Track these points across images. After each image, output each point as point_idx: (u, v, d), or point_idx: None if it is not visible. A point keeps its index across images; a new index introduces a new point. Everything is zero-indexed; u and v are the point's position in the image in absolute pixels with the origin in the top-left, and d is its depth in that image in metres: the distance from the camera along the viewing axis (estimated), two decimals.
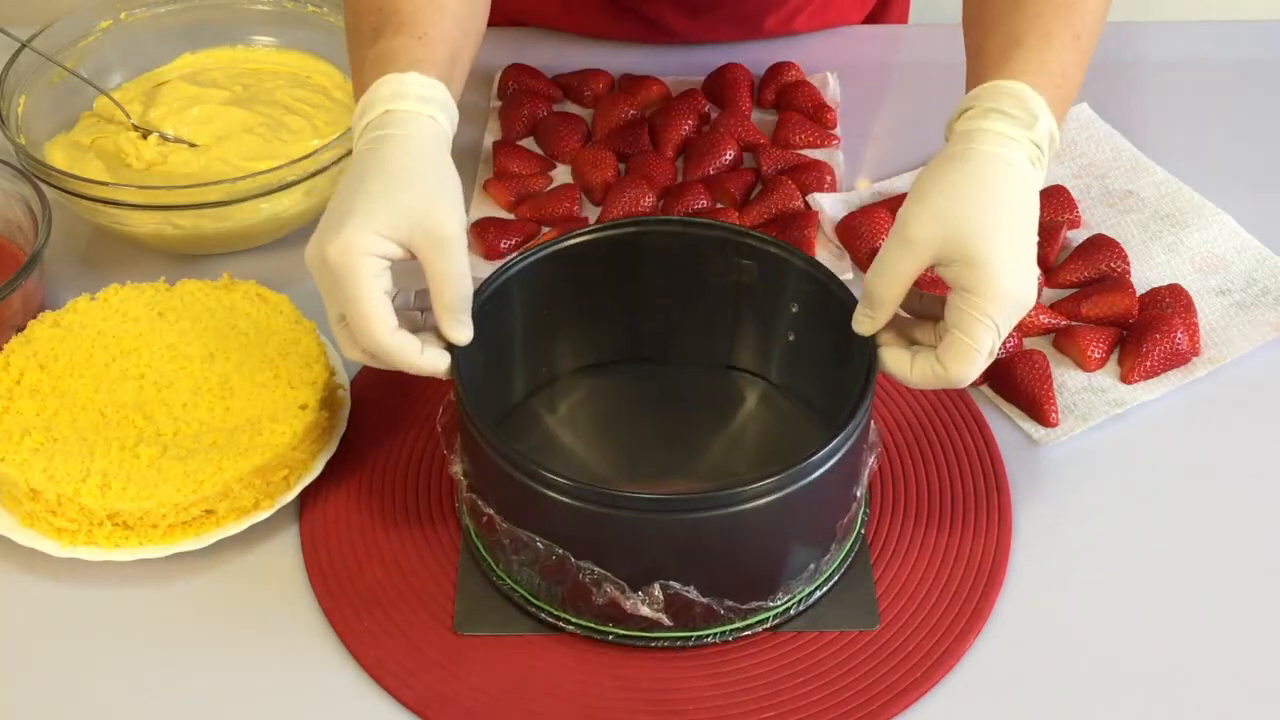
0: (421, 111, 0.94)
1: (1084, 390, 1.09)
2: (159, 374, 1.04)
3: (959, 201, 0.91)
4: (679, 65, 1.37)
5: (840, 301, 0.98)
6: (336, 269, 0.89)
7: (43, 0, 1.46)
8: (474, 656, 0.94)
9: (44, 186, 1.14)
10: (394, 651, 0.94)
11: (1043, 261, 1.16)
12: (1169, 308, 1.13)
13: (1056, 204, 1.21)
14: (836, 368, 0.98)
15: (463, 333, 0.93)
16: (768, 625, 0.95)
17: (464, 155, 1.29)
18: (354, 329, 0.91)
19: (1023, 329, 1.12)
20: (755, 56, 1.35)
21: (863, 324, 0.94)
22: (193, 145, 1.23)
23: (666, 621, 0.92)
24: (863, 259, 1.18)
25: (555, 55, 1.38)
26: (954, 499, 1.02)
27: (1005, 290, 0.90)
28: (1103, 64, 1.37)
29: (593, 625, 0.94)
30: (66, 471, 0.98)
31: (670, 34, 1.38)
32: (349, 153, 1.16)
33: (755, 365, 1.08)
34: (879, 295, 0.93)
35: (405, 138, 0.93)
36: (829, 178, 1.24)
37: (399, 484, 1.04)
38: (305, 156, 1.14)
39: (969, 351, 0.90)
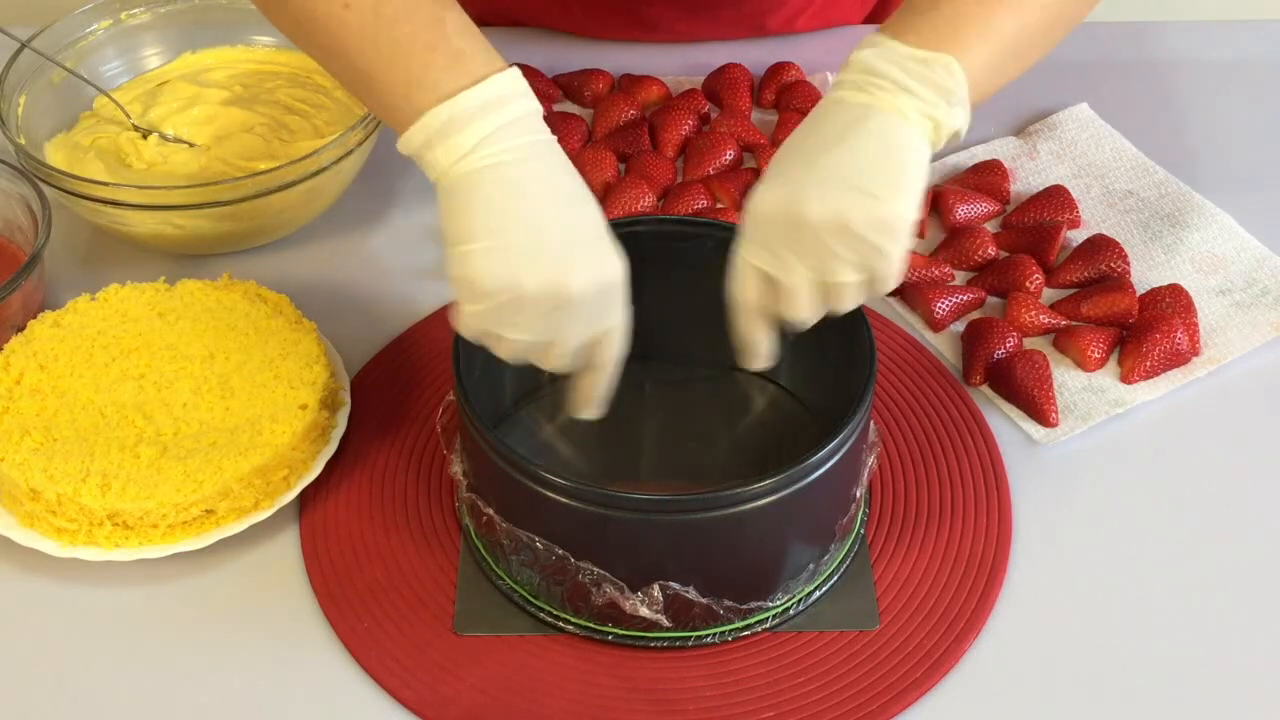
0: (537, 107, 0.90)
1: (1084, 390, 1.09)
2: (159, 374, 1.04)
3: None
4: (679, 65, 1.37)
5: None
6: (597, 297, 0.87)
7: (43, 0, 1.46)
8: (474, 656, 0.94)
9: (44, 186, 1.14)
10: (394, 651, 0.94)
11: (1043, 261, 1.17)
12: (1169, 308, 1.13)
13: (1056, 204, 1.21)
14: (836, 368, 0.98)
15: None
16: (767, 625, 0.95)
17: None
18: (604, 348, 0.90)
19: (1023, 329, 1.12)
20: (755, 56, 1.35)
21: None
22: (193, 145, 1.23)
23: (665, 622, 0.92)
24: None
25: (555, 55, 1.38)
26: (954, 499, 1.02)
27: (753, 200, 0.89)
28: (1103, 64, 1.38)
29: (592, 625, 0.94)
30: (66, 471, 0.98)
31: (670, 34, 1.38)
32: (349, 153, 1.17)
33: None
34: None
35: (554, 143, 0.90)
36: None
37: (399, 484, 1.04)
38: (305, 156, 1.14)
39: (733, 281, 0.91)
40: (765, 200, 0.89)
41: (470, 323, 0.88)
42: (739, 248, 0.91)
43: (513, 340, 0.88)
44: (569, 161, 0.90)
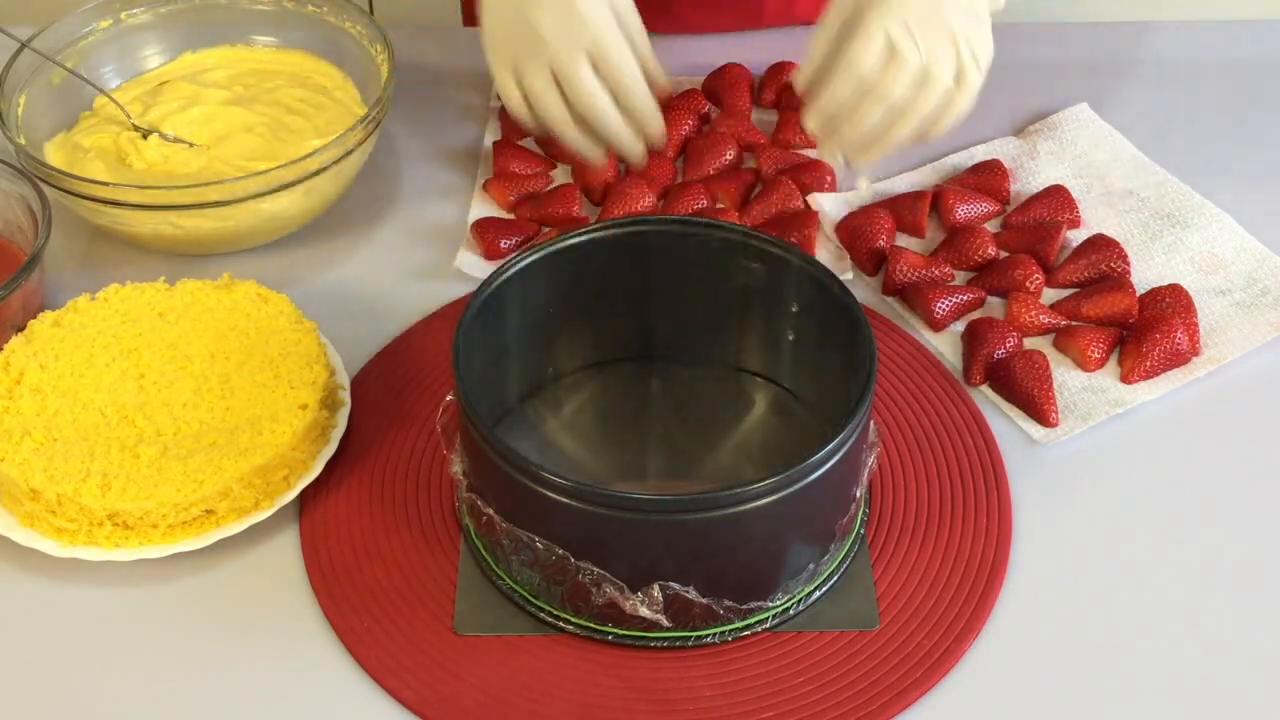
0: None
1: (1084, 390, 1.09)
2: (159, 374, 1.04)
3: None
4: (679, 65, 1.37)
5: (840, 301, 0.98)
6: (569, 24, 1.06)
7: (43, 0, 1.46)
8: (474, 656, 0.94)
9: (44, 186, 1.14)
10: (394, 651, 0.94)
11: (1043, 261, 1.17)
12: (1169, 308, 1.13)
13: (1056, 204, 1.21)
14: (837, 367, 0.98)
15: None
16: (767, 625, 0.95)
17: (464, 155, 1.29)
18: (610, 64, 1.09)
19: (1023, 329, 1.12)
20: (756, 54, 1.35)
21: None
22: (193, 145, 1.23)
23: (665, 622, 0.92)
24: (863, 259, 1.18)
25: None
26: (954, 499, 1.02)
27: None
28: (1103, 64, 1.38)
29: (592, 625, 0.94)
30: (66, 471, 0.98)
31: (672, 18, 1.38)
32: (349, 153, 1.17)
33: (755, 365, 1.08)
34: None
35: None
36: (829, 178, 1.24)
37: (399, 484, 1.04)
38: (305, 156, 1.14)
39: (857, 40, 1.03)
40: None
41: (501, 85, 1.11)
42: (872, 14, 1.03)
43: (534, 86, 1.09)
44: None
